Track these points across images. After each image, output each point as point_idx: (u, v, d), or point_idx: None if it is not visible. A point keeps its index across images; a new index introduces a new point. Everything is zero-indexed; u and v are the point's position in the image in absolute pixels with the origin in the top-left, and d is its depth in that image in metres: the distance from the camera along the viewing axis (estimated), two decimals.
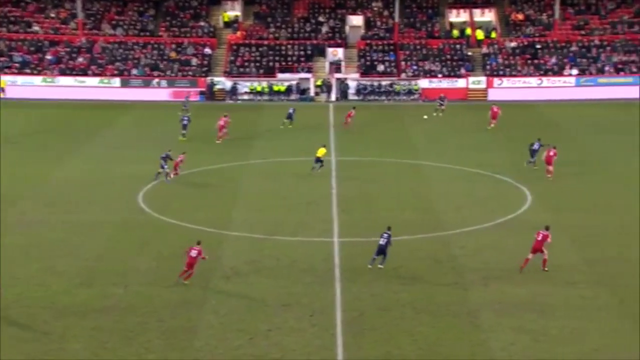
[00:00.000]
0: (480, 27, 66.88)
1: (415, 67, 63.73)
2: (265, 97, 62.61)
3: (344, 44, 65.95)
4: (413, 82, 62.80)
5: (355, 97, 62.10)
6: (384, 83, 62.85)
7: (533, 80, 62.39)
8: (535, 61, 63.89)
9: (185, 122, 46.84)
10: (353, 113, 50.81)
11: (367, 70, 63.90)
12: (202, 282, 24.92)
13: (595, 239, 29.13)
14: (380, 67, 64.01)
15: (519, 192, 35.59)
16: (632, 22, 65.87)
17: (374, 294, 24.17)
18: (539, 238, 25.70)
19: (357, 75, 63.65)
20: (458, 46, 65.53)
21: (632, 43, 64.11)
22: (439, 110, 54.81)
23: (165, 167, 36.81)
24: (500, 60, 64.09)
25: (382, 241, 26.17)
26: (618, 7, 67.50)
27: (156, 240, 29.14)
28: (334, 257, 27.49)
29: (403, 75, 63.48)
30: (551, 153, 38.09)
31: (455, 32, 66.61)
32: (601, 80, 61.72)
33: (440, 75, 63.15)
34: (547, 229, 26.00)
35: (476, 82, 62.70)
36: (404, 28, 67.35)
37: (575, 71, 62.69)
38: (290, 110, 51.63)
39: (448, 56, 64.62)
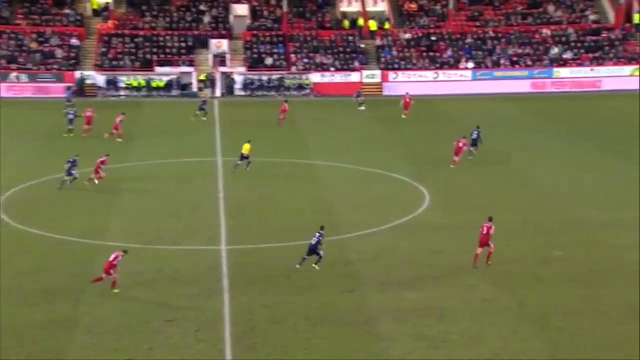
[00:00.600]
0: (373, 18, 68.18)
1: (306, 61, 64.22)
2: (143, 93, 61.41)
3: (228, 35, 65.61)
4: (304, 77, 63.28)
5: (243, 93, 61.95)
6: (273, 77, 62.98)
7: (429, 74, 64.16)
8: (431, 54, 65.75)
9: (71, 116, 46.44)
10: (287, 107, 50.49)
11: (254, 63, 63.82)
12: (73, 299, 24.11)
13: (493, 238, 30.18)
14: (269, 61, 64.10)
15: (416, 191, 36.46)
16: (526, 14, 68.97)
17: (266, 305, 24.13)
18: (484, 232, 26.69)
19: (243, 69, 63.46)
20: (351, 38, 66.52)
21: (527, 35, 67.13)
22: (362, 104, 55.77)
23: (74, 173, 35.76)
24: (395, 53, 65.54)
25: (313, 240, 26.62)
26: None
27: (17, 255, 27.94)
28: (222, 267, 27.25)
29: (293, 69, 63.82)
30: (460, 144, 39.96)
31: (347, 23, 67.60)
32: (497, 74, 64.26)
33: (333, 69, 63.90)
34: (490, 220, 27.00)
35: (371, 76, 63.85)
36: (293, 18, 67.73)
37: (471, 64, 64.95)
38: (203, 102, 51.67)
39: (341, 49, 65.49)
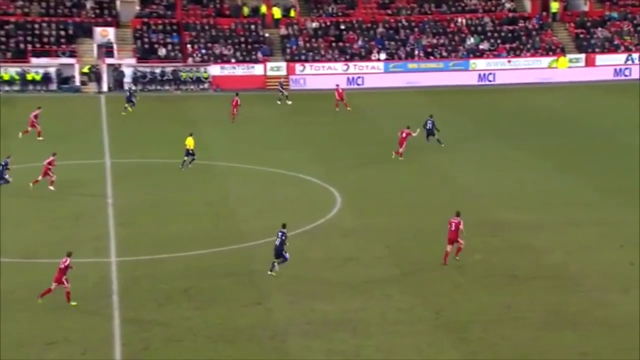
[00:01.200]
0: (276, 5, 68.18)
1: (203, 51, 63.67)
2: (16, 88, 59.51)
3: (115, 22, 64.40)
4: (202, 69, 62.70)
5: (134, 87, 60.88)
6: (167, 70, 62.11)
7: (339, 66, 64.61)
8: (340, 44, 66.24)
9: None
10: (238, 100, 50.04)
11: (145, 54, 62.81)
12: None
13: (409, 243, 30.64)
14: (162, 51, 63.21)
15: (327, 193, 36.62)
16: (440, 2, 70.34)
17: (162, 322, 23.71)
18: (453, 228, 27.41)
19: (133, 61, 62.39)
20: (252, 26, 66.34)
21: (441, 24, 68.48)
22: (283, 99, 55.95)
23: (7, 176, 35.30)
24: (301, 43, 65.73)
25: (277, 241, 26.94)
26: None
27: None
28: (111, 281, 26.65)
29: (190, 61, 63.15)
30: (404, 134, 40.96)
31: (246, 10, 67.31)
32: (411, 65, 65.29)
33: (233, 61, 63.57)
34: (457, 215, 27.66)
35: (275, 68, 63.83)
36: (188, 5, 67.07)
37: (383, 55, 65.79)
38: (129, 92, 51.49)
39: (242, 38, 65.22)
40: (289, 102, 56.28)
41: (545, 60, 65.27)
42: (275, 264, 26.99)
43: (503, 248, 29.87)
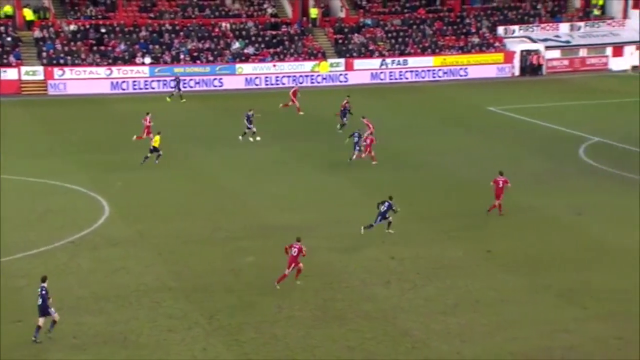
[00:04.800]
0: (27, 6, 64.98)
1: None
2: None
3: None
4: None
5: None
6: None
7: (101, 71, 62.82)
8: (102, 48, 64.42)
9: None
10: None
11: None
12: None
13: (180, 249, 30.34)
14: None
15: (93, 202, 35.46)
16: (203, 6, 70.46)
17: None
18: (294, 253, 26.36)
19: None
20: (2, 28, 62.80)
21: (206, 28, 68.59)
22: (176, 96, 54.97)
23: None
24: (58, 47, 63.16)
25: (382, 208, 30.50)
26: None
27: None
28: None
29: None
30: (367, 141, 41.74)
31: None
32: (177, 69, 64.77)
33: None
34: (298, 240, 26.74)
35: (31, 72, 60.95)
36: None
37: (148, 59, 64.77)
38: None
39: None
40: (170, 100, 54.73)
41: (307, 65, 67.27)
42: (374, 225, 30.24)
43: (274, 250, 30.28)
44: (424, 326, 23.94)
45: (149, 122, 44.90)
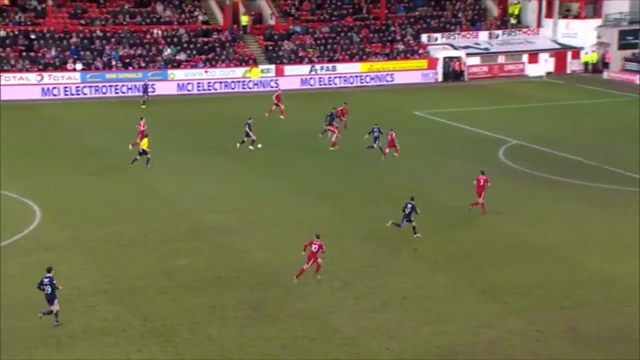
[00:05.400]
0: None
1: None
2: None
3: None
4: None
5: None
6: None
7: (32, 77, 61.45)
8: (32, 54, 63.01)
9: None
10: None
11: None
12: None
13: (115, 252, 29.85)
14: None
15: (25, 207, 34.63)
16: (134, 13, 69.55)
17: None
18: (314, 249, 26.63)
19: None
20: None
21: (137, 35, 67.69)
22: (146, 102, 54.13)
23: None
24: None
25: (406, 211, 30.55)
26: None
27: None
28: None
29: None
30: (390, 137, 42.60)
31: None
32: (109, 75, 63.78)
33: None
34: (317, 237, 26.91)
35: None
36: None
37: (79, 66, 63.60)
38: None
39: None
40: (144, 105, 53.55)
41: (239, 71, 66.97)
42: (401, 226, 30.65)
43: (208, 251, 30.12)
44: (354, 323, 24.04)
45: (143, 126, 44.25)
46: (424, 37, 72.98)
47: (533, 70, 72.31)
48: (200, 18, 71.29)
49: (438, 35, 73.29)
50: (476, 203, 33.83)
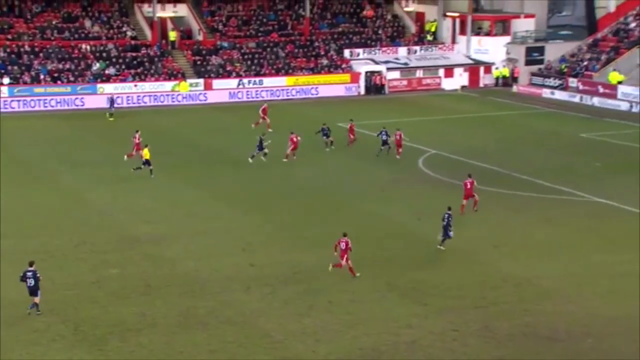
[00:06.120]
0: None
1: None
2: None
3: None
4: None
5: None
6: None
7: None
8: None
9: None
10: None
11: None
12: None
13: (45, 263, 29.13)
14: None
15: None
16: (62, 28, 68.29)
17: None
18: (343, 247, 27.75)
19: None
20: None
21: (66, 50, 66.46)
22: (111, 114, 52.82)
23: None
24: None
25: (444, 222, 29.90)
26: (44, 11, 69.15)
27: None
28: None
29: None
30: (398, 137, 45.35)
31: None
32: (38, 90, 62.40)
33: None
34: (345, 235, 27.98)
35: None
36: None
37: (7, 80, 62.09)
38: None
39: None
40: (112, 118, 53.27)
41: (168, 85, 66.33)
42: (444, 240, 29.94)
43: (138, 260, 29.72)
44: (282, 327, 24.06)
45: (138, 139, 43.74)
46: (346, 52, 73.63)
47: (449, 84, 73.67)
48: (129, 33, 70.41)
49: (360, 50, 74.05)
50: (463, 207, 35.18)
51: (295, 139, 44.66)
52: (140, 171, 41.21)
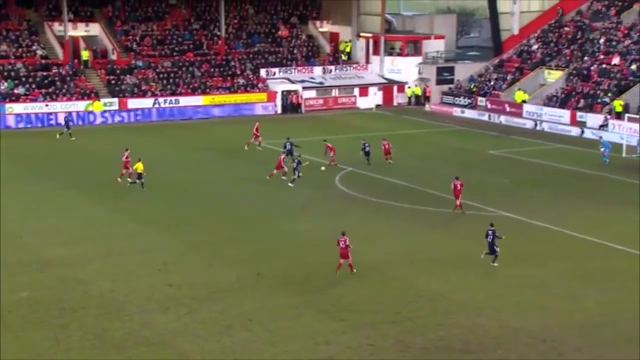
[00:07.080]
0: None
1: None
2: None
3: None
4: None
5: None
6: None
7: None
8: None
9: None
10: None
11: None
12: None
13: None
14: None
15: None
16: None
17: None
18: (342, 245, 29.11)
19: None
20: None
21: None
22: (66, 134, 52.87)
23: None
24: None
25: (489, 239, 30.02)
26: None
27: None
28: None
29: None
30: (386, 146, 48.86)
31: None
32: None
33: None
34: (343, 234, 29.09)
35: None
36: None
37: None
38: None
39: None
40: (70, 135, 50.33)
41: (81, 104, 65.07)
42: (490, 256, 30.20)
43: (51, 283, 28.97)
44: (200, 347, 23.84)
45: (127, 157, 43.48)
46: (262, 72, 73.86)
47: (364, 103, 74.73)
48: (39, 53, 68.86)
49: (276, 69, 74.41)
50: (456, 206, 37.39)
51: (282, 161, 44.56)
52: (134, 185, 41.94)
